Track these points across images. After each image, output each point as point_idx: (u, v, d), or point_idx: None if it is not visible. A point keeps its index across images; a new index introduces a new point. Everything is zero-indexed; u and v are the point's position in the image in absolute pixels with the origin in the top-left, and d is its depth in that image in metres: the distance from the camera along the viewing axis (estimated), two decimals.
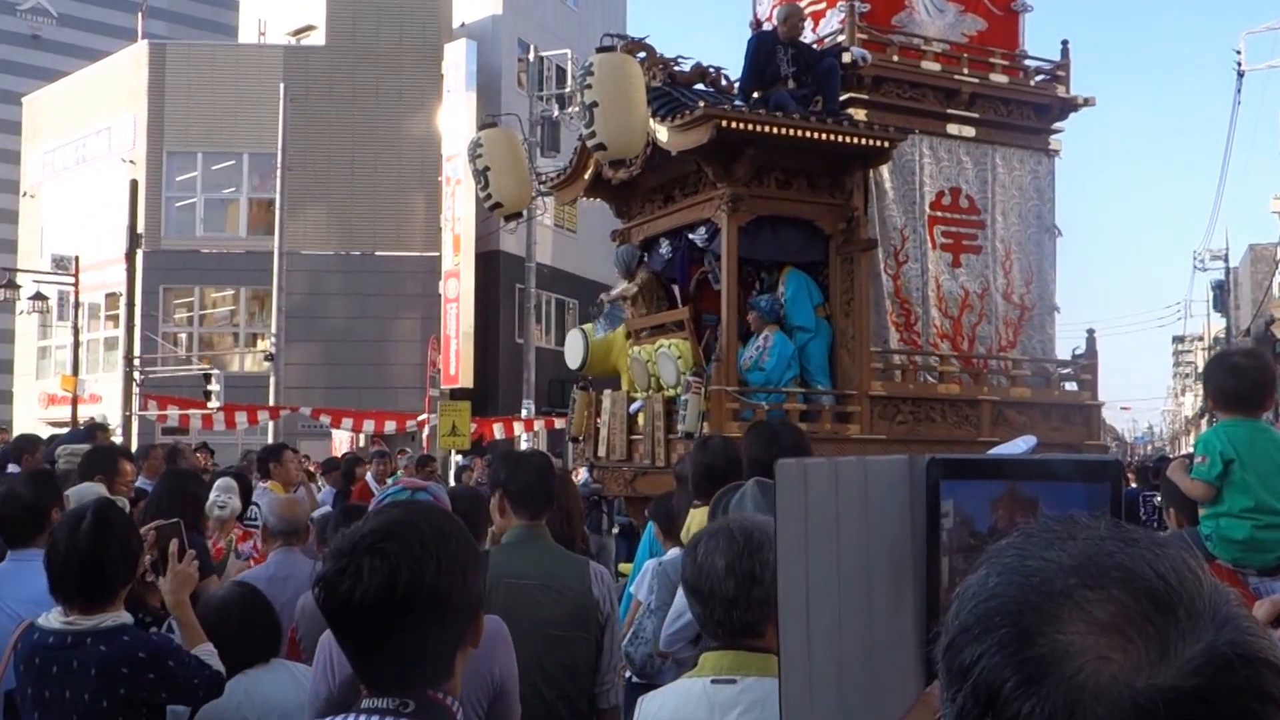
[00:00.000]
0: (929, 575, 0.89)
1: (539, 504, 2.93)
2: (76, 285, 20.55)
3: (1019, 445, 3.52)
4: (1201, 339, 45.76)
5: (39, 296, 20.77)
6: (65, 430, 10.82)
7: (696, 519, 3.54)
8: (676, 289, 7.18)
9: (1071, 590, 0.56)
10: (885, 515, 0.94)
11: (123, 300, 19.34)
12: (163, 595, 2.67)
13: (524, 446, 18.39)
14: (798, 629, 1.01)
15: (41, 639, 2.40)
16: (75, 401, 19.23)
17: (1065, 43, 7.49)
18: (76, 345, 20.51)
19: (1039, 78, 7.42)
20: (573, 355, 7.12)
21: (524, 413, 19.05)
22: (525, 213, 9.63)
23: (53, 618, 2.43)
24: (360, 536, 1.38)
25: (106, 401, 20.96)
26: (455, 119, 21.02)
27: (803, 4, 7.06)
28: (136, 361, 19.25)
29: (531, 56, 20.45)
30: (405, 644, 1.35)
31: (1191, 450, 3.27)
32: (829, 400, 6.41)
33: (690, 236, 6.69)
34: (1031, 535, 0.61)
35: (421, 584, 1.34)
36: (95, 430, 7.19)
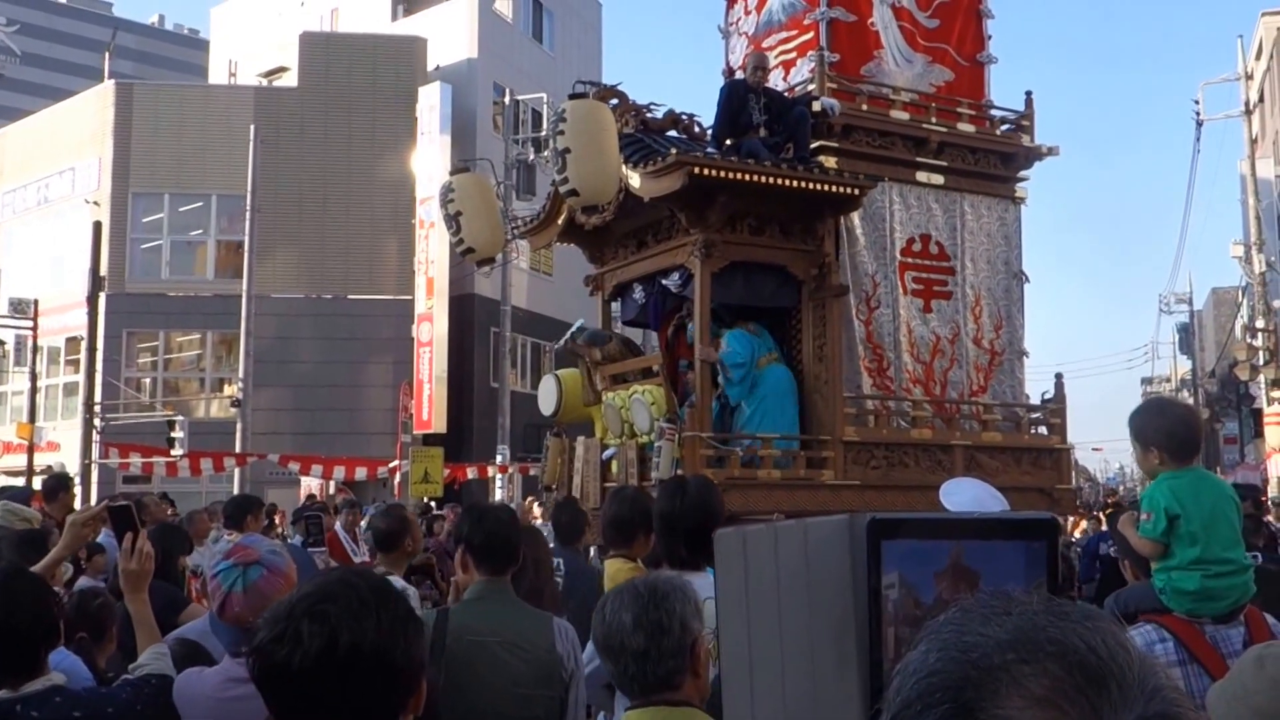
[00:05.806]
0: (871, 633, 0.89)
1: (502, 559, 2.86)
2: (35, 329, 20.09)
3: (964, 485, 3.49)
4: (1169, 380, 46.52)
5: None
6: (20, 480, 10.47)
7: (608, 572, 3.47)
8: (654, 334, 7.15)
9: (1009, 665, 0.57)
10: (826, 575, 0.94)
11: (84, 344, 18.98)
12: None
13: (498, 493, 18.20)
14: (741, 691, 1.01)
15: None
16: (32, 450, 18.71)
17: (1029, 94, 7.65)
18: (34, 391, 19.96)
19: (1004, 127, 7.56)
20: (546, 401, 7.05)
21: (499, 459, 18.85)
22: (499, 257, 9.61)
23: None
24: (296, 600, 1.33)
25: (65, 449, 20.46)
26: (429, 162, 21.03)
27: (773, 53, 7.16)
28: (97, 408, 18.86)
29: (507, 100, 20.60)
30: (344, 712, 1.29)
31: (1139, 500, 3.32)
32: (783, 445, 6.37)
33: (664, 282, 6.69)
34: (969, 611, 0.62)
35: (364, 645, 1.28)
36: (64, 483, 6.60)
